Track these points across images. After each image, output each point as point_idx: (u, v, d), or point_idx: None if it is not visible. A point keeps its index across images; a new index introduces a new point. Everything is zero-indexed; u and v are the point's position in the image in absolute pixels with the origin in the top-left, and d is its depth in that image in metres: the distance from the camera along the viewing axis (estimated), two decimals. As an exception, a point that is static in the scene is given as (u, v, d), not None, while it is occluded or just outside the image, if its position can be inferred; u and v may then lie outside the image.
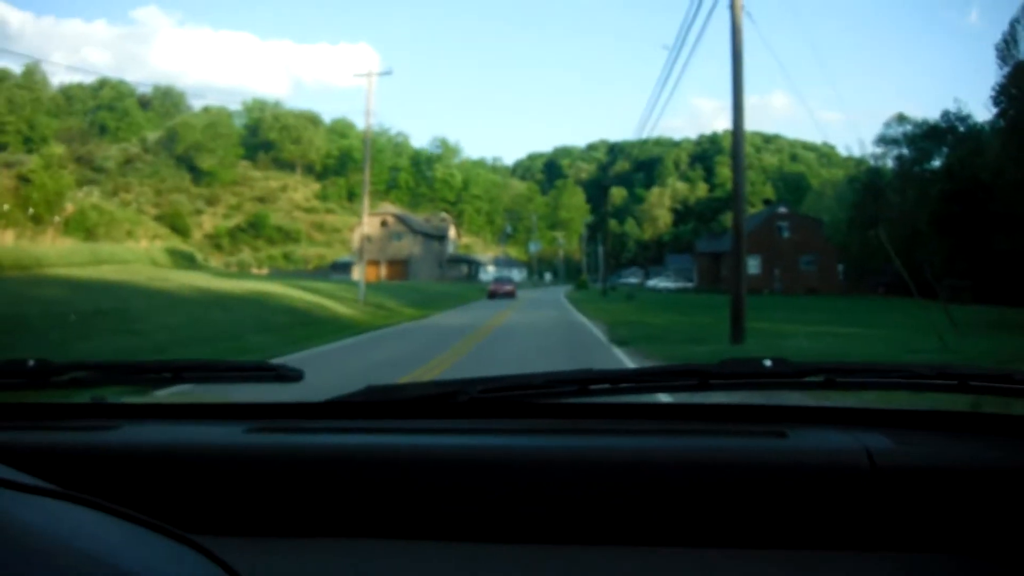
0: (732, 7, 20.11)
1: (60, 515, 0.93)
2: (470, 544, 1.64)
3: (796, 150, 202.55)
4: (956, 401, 1.97)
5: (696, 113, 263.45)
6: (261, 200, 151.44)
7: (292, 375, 2.23)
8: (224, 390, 2.52)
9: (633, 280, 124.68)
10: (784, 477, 1.62)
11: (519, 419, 1.99)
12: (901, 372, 2.01)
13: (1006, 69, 56.94)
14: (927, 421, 1.85)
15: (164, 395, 2.47)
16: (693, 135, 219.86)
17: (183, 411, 2.20)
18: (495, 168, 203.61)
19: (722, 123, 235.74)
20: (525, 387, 1.98)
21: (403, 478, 1.72)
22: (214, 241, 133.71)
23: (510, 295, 63.28)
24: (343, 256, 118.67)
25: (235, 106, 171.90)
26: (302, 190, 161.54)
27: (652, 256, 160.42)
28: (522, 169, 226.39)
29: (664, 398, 2.21)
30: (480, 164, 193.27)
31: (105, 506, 0.96)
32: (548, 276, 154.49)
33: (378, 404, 2.06)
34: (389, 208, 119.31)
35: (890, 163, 76.71)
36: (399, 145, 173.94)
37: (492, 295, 63.34)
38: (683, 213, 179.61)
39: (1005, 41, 57.64)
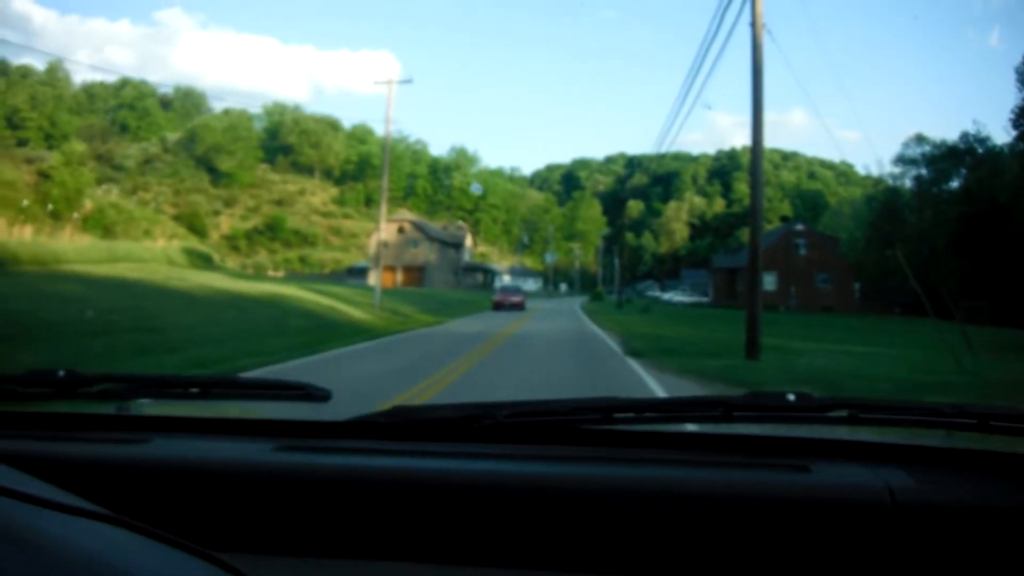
0: (753, 24, 20.10)
1: (95, 534, 0.95)
2: (493, 569, 1.65)
3: (814, 168, 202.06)
4: (976, 440, 1.97)
5: (714, 128, 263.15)
6: (279, 203, 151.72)
7: (320, 395, 2.24)
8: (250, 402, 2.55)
9: (649, 293, 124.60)
10: (806, 512, 1.62)
11: (544, 445, 2.00)
12: (922, 410, 2.02)
13: (1024, 92, 56.79)
14: (949, 459, 1.85)
15: (190, 406, 2.48)
16: (711, 150, 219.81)
17: (212, 426, 2.20)
18: (513, 178, 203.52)
19: (740, 139, 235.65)
20: (551, 413, 1.99)
21: (427, 502, 1.72)
22: (231, 242, 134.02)
23: (518, 307, 57.09)
24: (359, 261, 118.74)
25: (255, 109, 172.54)
26: (320, 194, 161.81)
27: (668, 270, 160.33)
28: (540, 180, 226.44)
29: (688, 426, 2.22)
30: (498, 173, 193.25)
31: (140, 527, 0.97)
32: (564, 287, 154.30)
33: (403, 425, 2.07)
34: (406, 215, 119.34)
35: (908, 183, 76.48)
36: (418, 152, 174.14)
37: (497, 307, 57.21)
38: (700, 228, 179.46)
39: (1024, 63, 57.48)
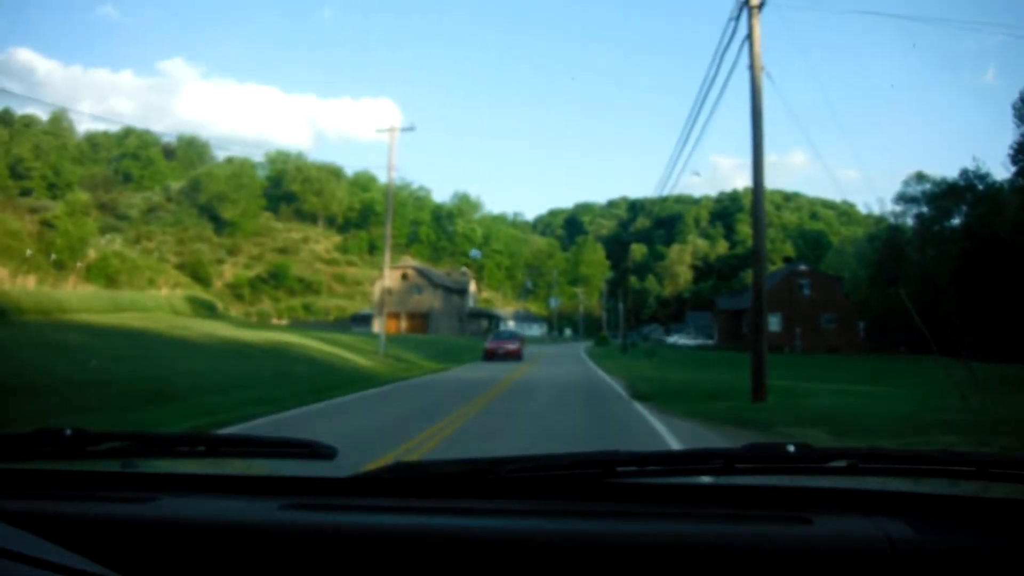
0: (751, 67, 20.20)
1: None
2: None
3: (816, 208, 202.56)
4: (976, 487, 1.97)
5: (716, 170, 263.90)
6: (282, 251, 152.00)
7: (326, 452, 2.25)
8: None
9: (654, 336, 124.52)
10: (809, 565, 1.62)
11: (548, 500, 2.00)
12: (922, 458, 2.03)
13: (1023, 128, 57.15)
14: (948, 507, 1.86)
15: (196, 463, 2.49)
16: (713, 192, 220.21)
17: (218, 484, 2.21)
18: (516, 223, 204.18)
19: (741, 180, 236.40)
20: (554, 467, 2.00)
21: (432, 559, 1.73)
22: (235, 291, 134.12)
23: (514, 356, 47.35)
24: (364, 308, 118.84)
25: (258, 157, 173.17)
26: (323, 242, 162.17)
27: (672, 313, 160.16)
28: (543, 225, 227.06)
29: (691, 479, 2.23)
30: (501, 219, 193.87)
31: None
32: (568, 332, 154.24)
33: (407, 481, 2.07)
34: (410, 261, 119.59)
35: (910, 221, 76.97)
36: (420, 199, 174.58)
37: (489, 356, 47.65)
38: (703, 270, 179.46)
39: (1022, 99, 57.94)
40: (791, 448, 1.94)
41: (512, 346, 49.06)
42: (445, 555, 1.72)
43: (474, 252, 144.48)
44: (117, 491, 2.09)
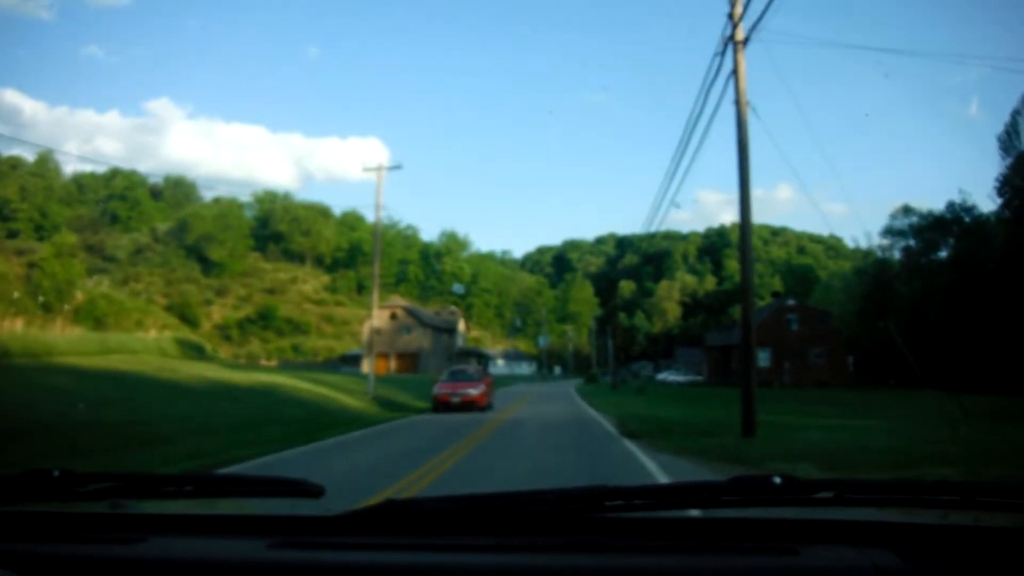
0: (737, 103, 20.34)
1: None
2: None
3: (803, 242, 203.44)
4: (962, 516, 1.97)
5: (703, 206, 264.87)
6: (271, 291, 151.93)
7: (314, 490, 2.25)
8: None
9: (644, 373, 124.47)
10: None
11: (535, 536, 2.00)
12: (908, 488, 2.04)
13: (1008, 160, 57.60)
14: (934, 536, 1.86)
15: (185, 503, 2.48)
16: (701, 228, 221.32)
17: (207, 524, 2.21)
18: (504, 261, 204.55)
19: (729, 215, 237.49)
20: (541, 503, 2.00)
21: None
22: (223, 332, 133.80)
23: (476, 406, 32.98)
24: (353, 349, 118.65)
25: (245, 197, 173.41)
26: (312, 282, 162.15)
27: (662, 349, 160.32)
28: (531, 262, 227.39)
29: (678, 512, 2.23)
30: (489, 257, 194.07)
31: None
32: (557, 370, 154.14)
33: (396, 518, 2.07)
34: (399, 301, 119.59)
35: (897, 254, 77.22)
36: (408, 238, 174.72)
37: (441, 406, 33.24)
38: (692, 306, 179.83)
39: (1007, 132, 58.47)
40: (777, 480, 1.94)
41: (473, 391, 33.79)
42: None
43: (457, 287, 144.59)
44: (105, 532, 2.08)
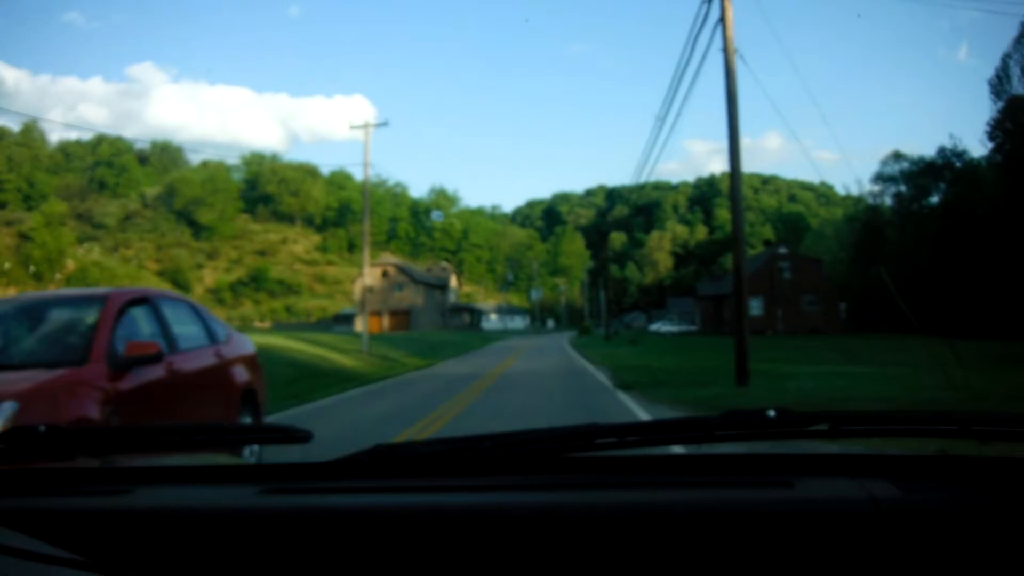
0: (724, 51, 20.24)
1: None
2: None
3: (794, 190, 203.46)
4: (959, 445, 1.96)
5: (692, 156, 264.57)
6: (261, 253, 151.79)
7: (301, 435, 2.23)
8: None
9: (636, 324, 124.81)
10: (791, 526, 1.61)
11: (527, 475, 1.99)
12: (904, 419, 2.02)
13: (999, 104, 57.58)
14: (931, 466, 1.85)
15: (172, 456, 2.47)
16: (690, 178, 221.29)
17: (194, 474, 2.19)
18: (494, 216, 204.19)
19: (718, 165, 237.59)
20: (532, 442, 1.98)
21: (411, 536, 1.71)
22: (216, 295, 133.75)
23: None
24: (345, 308, 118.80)
25: (233, 160, 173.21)
26: (302, 242, 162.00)
27: (654, 300, 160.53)
28: (521, 216, 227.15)
29: (671, 449, 2.22)
30: (479, 212, 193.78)
31: (119, 574, 0.96)
32: (551, 323, 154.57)
33: (386, 462, 2.06)
34: (390, 259, 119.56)
35: (888, 201, 77.23)
36: (398, 195, 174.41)
37: None
38: (683, 256, 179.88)
39: (998, 76, 58.41)
40: (771, 413, 1.93)
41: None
42: (427, 531, 1.71)
43: (436, 214, 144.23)
44: (93, 484, 2.07)
